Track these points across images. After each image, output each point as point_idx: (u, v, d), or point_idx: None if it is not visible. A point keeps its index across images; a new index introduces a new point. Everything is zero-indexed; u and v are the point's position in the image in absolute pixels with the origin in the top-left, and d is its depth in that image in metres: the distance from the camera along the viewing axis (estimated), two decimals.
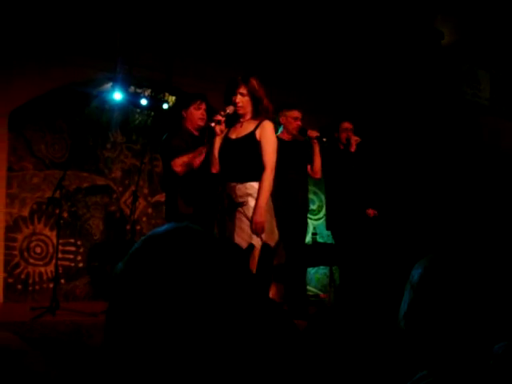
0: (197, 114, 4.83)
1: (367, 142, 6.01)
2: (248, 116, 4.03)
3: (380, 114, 7.40)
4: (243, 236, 3.80)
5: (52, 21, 6.02)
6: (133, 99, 6.78)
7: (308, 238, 6.59)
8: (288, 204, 5.34)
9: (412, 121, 7.15)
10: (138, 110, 7.22)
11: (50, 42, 6.17)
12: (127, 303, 0.85)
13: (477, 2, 6.78)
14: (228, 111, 3.96)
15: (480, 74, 7.75)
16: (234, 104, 3.95)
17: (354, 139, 5.87)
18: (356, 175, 5.94)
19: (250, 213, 3.84)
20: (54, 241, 6.41)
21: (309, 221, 5.83)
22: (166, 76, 6.69)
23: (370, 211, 5.90)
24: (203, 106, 4.95)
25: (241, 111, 3.98)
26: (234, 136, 4.02)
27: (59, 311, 5.36)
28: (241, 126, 4.03)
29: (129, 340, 0.83)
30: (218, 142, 4.04)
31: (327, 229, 6.08)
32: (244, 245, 3.76)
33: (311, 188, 6.67)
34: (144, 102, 6.76)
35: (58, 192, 5.69)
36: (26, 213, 6.60)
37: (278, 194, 5.36)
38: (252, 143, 3.97)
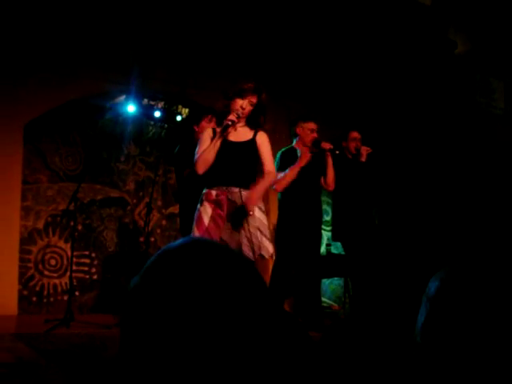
0: (208, 128, 4.84)
1: (379, 151, 5.99)
2: (242, 123, 3.92)
3: (393, 124, 7.38)
4: (258, 247, 3.71)
5: (67, 34, 6.07)
6: (146, 112, 6.82)
7: (322, 249, 6.57)
8: (302, 215, 5.33)
9: (425, 131, 7.12)
10: (152, 123, 7.25)
11: (64, 55, 6.22)
12: (142, 316, 0.84)
13: (489, 11, 6.76)
14: (240, 116, 3.86)
15: (494, 83, 7.71)
16: (239, 109, 3.83)
17: (365, 149, 5.86)
18: (365, 185, 5.93)
19: (256, 224, 3.74)
20: (69, 253, 6.43)
21: (323, 232, 5.81)
22: (179, 88, 6.71)
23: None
24: (214, 120, 4.98)
25: (243, 117, 3.88)
26: (233, 139, 3.87)
27: (73, 323, 5.36)
28: (235, 130, 3.89)
29: (143, 353, 0.83)
30: (214, 143, 3.81)
31: (333, 240, 6.07)
32: (252, 255, 3.66)
33: (324, 199, 6.64)
34: (157, 114, 6.80)
35: (72, 204, 5.71)
36: (40, 225, 6.63)
37: (292, 206, 5.38)
38: (254, 150, 3.89)
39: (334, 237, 6.00)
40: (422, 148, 7.12)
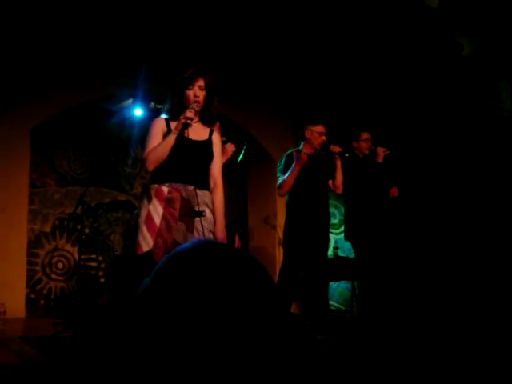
0: None
1: (391, 153, 5.99)
2: (196, 118, 3.65)
3: (400, 126, 7.36)
4: None
5: (73, 38, 6.08)
6: (153, 115, 6.81)
7: (329, 252, 6.55)
8: (309, 218, 5.32)
9: (433, 133, 7.10)
10: None
11: (71, 59, 6.24)
12: (152, 318, 0.84)
13: (496, 12, 6.74)
14: (196, 109, 3.58)
15: (501, 85, 7.69)
16: (195, 100, 3.57)
17: (382, 150, 5.85)
18: (379, 185, 5.92)
19: (208, 225, 3.54)
20: (76, 256, 6.45)
21: (330, 235, 5.80)
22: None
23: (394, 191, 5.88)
24: (218, 125, 4.99)
25: (198, 108, 3.60)
26: (190, 137, 3.56)
27: (81, 326, 5.36)
28: (190, 126, 3.57)
29: (153, 354, 0.83)
30: (169, 139, 3.51)
31: (346, 239, 6.04)
32: None
33: (332, 202, 6.64)
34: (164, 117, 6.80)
35: (79, 208, 5.72)
36: (48, 228, 6.65)
37: (300, 209, 5.38)
38: (211, 150, 3.67)
39: (346, 236, 5.98)
40: (429, 150, 7.10)
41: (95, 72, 6.33)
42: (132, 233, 7.10)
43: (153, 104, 6.78)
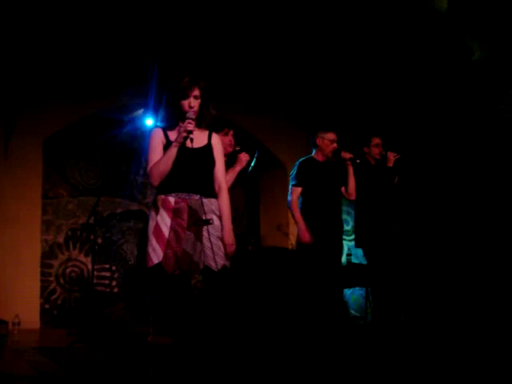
0: (225, 141, 4.82)
1: (402, 157, 5.96)
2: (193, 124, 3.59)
3: (411, 132, 7.34)
4: (221, 257, 3.47)
5: (84, 49, 6.12)
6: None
7: (343, 259, 6.53)
8: (322, 226, 5.30)
9: (445, 138, 7.07)
10: None
11: (81, 70, 6.27)
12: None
13: (506, 16, 6.71)
14: (193, 117, 3.53)
15: None
16: (189, 110, 3.52)
17: (393, 155, 5.82)
18: (390, 191, 5.89)
19: (217, 233, 3.51)
20: (89, 266, 6.47)
21: (343, 242, 5.77)
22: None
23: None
24: (231, 133, 5.00)
25: (194, 117, 3.55)
26: (190, 145, 3.51)
27: (95, 336, 5.37)
28: (191, 138, 3.52)
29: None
30: (170, 152, 3.48)
31: (356, 246, 6.01)
32: (219, 267, 3.41)
33: (345, 208, 6.61)
34: None
35: (92, 218, 5.74)
36: (61, 239, 6.68)
37: (313, 216, 5.36)
38: (212, 156, 3.63)
39: (357, 243, 5.95)
40: (441, 154, 7.07)
41: (106, 83, 6.35)
42: (144, 243, 7.11)
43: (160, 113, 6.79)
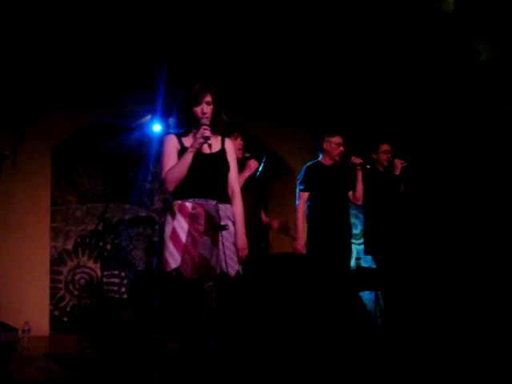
0: (235, 145, 4.84)
1: (410, 164, 5.94)
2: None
3: (420, 135, 7.32)
4: (235, 261, 3.50)
5: (91, 55, 6.14)
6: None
7: (352, 263, 6.51)
8: (331, 230, 5.29)
9: (453, 142, 7.05)
10: None
11: (88, 76, 6.30)
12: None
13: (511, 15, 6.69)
14: (207, 123, 3.55)
15: None
16: (202, 117, 3.55)
17: (400, 162, 5.81)
18: (397, 198, 5.88)
19: (231, 238, 3.55)
20: (98, 273, 6.48)
21: (352, 245, 5.76)
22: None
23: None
24: (240, 137, 5.02)
25: (208, 122, 3.57)
26: (205, 151, 3.58)
27: (104, 342, 5.37)
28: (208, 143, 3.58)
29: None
30: (186, 158, 3.51)
31: (365, 253, 6.00)
32: (233, 272, 3.44)
33: (353, 212, 6.61)
34: None
35: (101, 224, 5.75)
36: (70, 246, 6.69)
37: (321, 220, 5.35)
38: (226, 161, 3.67)
39: (366, 250, 5.94)
40: (449, 158, 7.05)
41: (114, 89, 6.36)
42: (153, 249, 7.12)
43: (171, 119, 6.80)
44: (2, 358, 4.44)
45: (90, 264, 6.78)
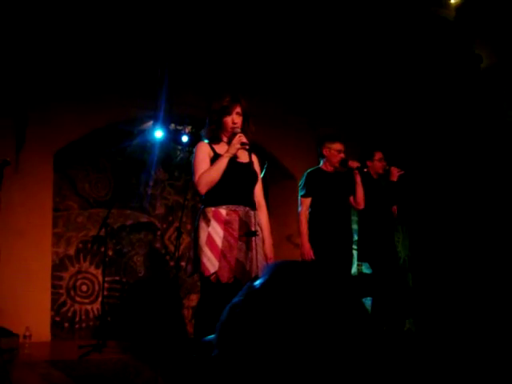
0: None
1: (407, 171, 5.96)
2: None
3: (419, 141, 7.32)
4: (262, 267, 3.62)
5: (93, 61, 6.16)
6: (174, 137, 6.86)
7: (353, 269, 6.50)
8: (332, 236, 5.29)
9: (454, 148, 7.05)
10: (180, 147, 7.30)
11: (91, 82, 6.31)
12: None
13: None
14: (240, 132, 3.74)
15: None
16: (234, 127, 3.76)
17: (396, 170, 5.83)
18: (392, 205, 5.92)
19: (261, 244, 3.75)
20: (100, 278, 6.47)
21: (353, 251, 5.76)
22: (206, 112, 6.75)
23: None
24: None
25: (240, 131, 3.76)
26: (238, 160, 3.77)
27: (106, 349, 5.37)
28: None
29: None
30: (220, 163, 3.68)
31: (359, 260, 6.04)
32: None
33: (354, 218, 6.60)
34: (185, 138, 6.83)
35: (102, 230, 5.75)
36: (71, 251, 6.68)
37: (322, 226, 5.35)
38: (255, 172, 3.83)
39: (360, 257, 5.99)
40: (450, 165, 7.05)
41: (116, 95, 6.38)
42: (154, 254, 7.10)
43: (173, 125, 6.81)
44: (3, 364, 4.43)
45: (92, 270, 6.77)
